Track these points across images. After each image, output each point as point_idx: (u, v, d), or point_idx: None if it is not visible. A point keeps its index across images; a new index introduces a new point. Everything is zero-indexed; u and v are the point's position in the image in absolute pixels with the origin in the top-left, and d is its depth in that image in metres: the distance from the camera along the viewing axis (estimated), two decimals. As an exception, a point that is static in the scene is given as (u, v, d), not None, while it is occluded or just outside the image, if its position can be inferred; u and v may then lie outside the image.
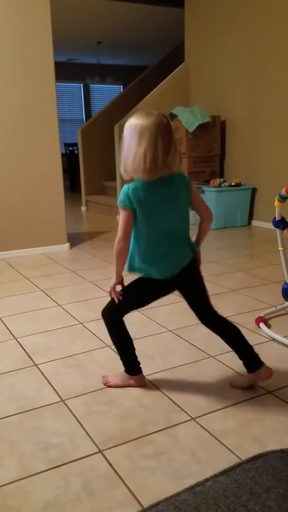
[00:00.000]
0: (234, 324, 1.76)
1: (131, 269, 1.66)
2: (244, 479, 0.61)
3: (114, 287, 1.68)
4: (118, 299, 1.69)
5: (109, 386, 1.82)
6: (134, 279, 1.72)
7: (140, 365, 1.82)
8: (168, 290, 1.75)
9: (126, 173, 1.52)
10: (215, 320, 1.76)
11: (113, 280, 1.67)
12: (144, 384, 1.83)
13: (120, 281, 1.68)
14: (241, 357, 1.76)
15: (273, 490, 0.59)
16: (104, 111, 7.05)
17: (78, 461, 1.42)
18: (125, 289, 1.70)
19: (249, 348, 1.74)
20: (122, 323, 1.75)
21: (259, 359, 1.74)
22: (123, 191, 1.54)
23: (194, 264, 1.72)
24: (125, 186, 1.54)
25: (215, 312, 1.75)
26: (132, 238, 1.61)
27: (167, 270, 1.65)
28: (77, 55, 9.22)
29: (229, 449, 1.44)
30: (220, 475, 0.63)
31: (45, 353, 2.16)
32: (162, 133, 1.46)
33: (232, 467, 0.65)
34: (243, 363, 1.76)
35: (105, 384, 1.84)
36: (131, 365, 1.81)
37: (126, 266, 1.66)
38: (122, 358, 1.81)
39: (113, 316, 1.74)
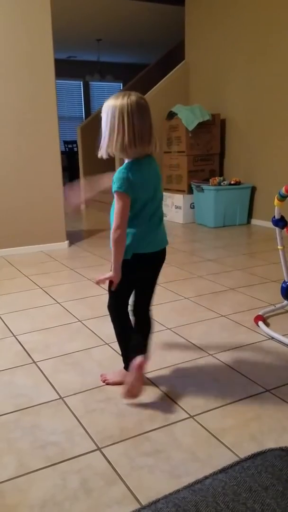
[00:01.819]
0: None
1: (134, 249, 1.63)
2: (243, 477, 0.61)
3: (111, 280, 1.62)
4: (113, 288, 1.66)
5: (107, 384, 1.82)
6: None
7: None
8: (142, 270, 1.71)
9: (108, 151, 1.54)
10: (146, 316, 1.81)
11: (112, 274, 1.61)
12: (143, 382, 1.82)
13: (119, 277, 1.63)
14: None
15: (272, 488, 0.59)
16: (104, 109, 7.03)
17: (76, 459, 1.41)
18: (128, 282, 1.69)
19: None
20: (128, 316, 1.77)
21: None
22: (119, 177, 1.53)
23: (164, 254, 1.74)
24: (119, 172, 1.55)
25: (150, 309, 1.82)
26: (132, 222, 1.61)
27: (158, 244, 1.68)
28: (77, 53, 9.20)
29: (227, 447, 1.44)
30: (219, 473, 0.63)
31: (43, 351, 2.16)
32: (140, 112, 1.51)
33: (231, 465, 0.65)
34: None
35: (103, 382, 1.83)
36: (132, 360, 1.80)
37: (131, 250, 1.64)
38: (124, 352, 1.81)
39: (119, 308, 1.74)
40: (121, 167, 1.57)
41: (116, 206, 1.56)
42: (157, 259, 1.72)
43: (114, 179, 1.55)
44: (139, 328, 1.81)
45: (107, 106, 1.53)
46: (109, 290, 1.71)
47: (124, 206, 1.54)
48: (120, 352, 1.87)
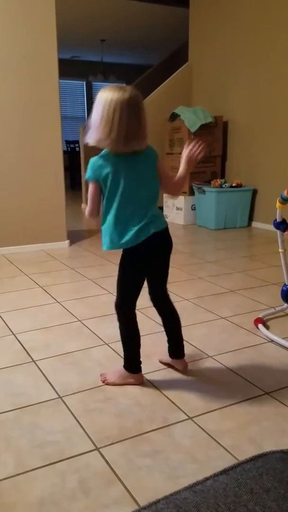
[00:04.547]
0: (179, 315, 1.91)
1: (114, 245, 1.66)
2: (245, 479, 0.61)
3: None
4: (123, 288, 1.73)
5: (107, 384, 1.82)
6: (121, 262, 1.73)
7: (141, 364, 1.82)
8: (148, 261, 1.73)
9: (94, 141, 1.56)
10: (167, 303, 1.87)
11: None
12: (143, 382, 1.82)
13: None
14: (170, 342, 1.91)
15: (274, 491, 0.59)
16: (106, 109, 7.02)
17: (74, 458, 1.41)
18: (120, 274, 1.73)
19: (181, 338, 1.91)
20: (134, 315, 1.78)
21: (183, 351, 1.92)
22: (89, 165, 1.60)
23: (167, 238, 1.73)
24: (91, 160, 1.60)
25: (168, 295, 1.87)
26: (107, 216, 1.64)
27: (145, 233, 1.64)
28: (81, 53, 9.21)
29: (226, 449, 1.44)
30: (220, 475, 0.63)
31: (43, 350, 2.15)
32: (133, 110, 1.52)
33: (233, 467, 0.65)
34: (169, 349, 1.92)
35: (103, 382, 1.83)
36: (133, 361, 1.81)
37: (108, 245, 1.67)
38: (126, 353, 1.81)
39: (126, 307, 1.76)
40: (95, 157, 1.61)
41: (89, 192, 1.64)
42: (155, 246, 1.70)
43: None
44: (166, 321, 1.88)
45: (102, 97, 1.53)
46: (118, 288, 1.74)
47: (92, 190, 1.62)
48: (117, 352, 1.87)
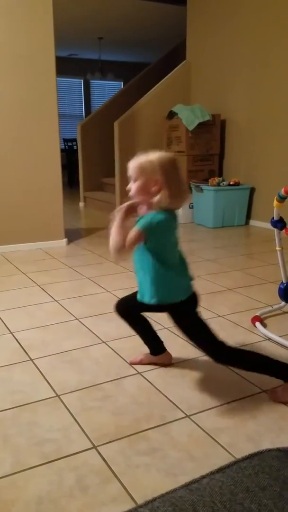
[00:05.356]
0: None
1: (187, 292, 1.70)
2: (241, 477, 0.61)
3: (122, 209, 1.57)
4: (201, 327, 1.69)
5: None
6: (188, 315, 1.73)
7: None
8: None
9: (167, 201, 1.53)
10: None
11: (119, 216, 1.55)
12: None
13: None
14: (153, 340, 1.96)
15: (269, 489, 0.59)
16: (104, 107, 7.02)
17: (72, 456, 1.42)
18: (197, 323, 1.71)
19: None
20: (233, 347, 1.74)
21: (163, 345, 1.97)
22: (156, 219, 1.51)
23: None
24: (158, 215, 1.52)
25: None
26: (163, 268, 1.61)
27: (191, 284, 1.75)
28: (78, 51, 9.18)
29: (223, 447, 1.45)
30: (216, 473, 0.63)
31: (40, 348, 2.16)
32: (178, 167, 1.59)
33: (229, 465, 0.65)
34: (154, 347, 1.96)
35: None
36: (284, 365, 1.68)
37: (181, 294, 1.68)
38: (273, 368, 1.68)
39: (222, 344, 1.67)
40: (158, 213, 1.53)
41: (134, 236, 1.51)
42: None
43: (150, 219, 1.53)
44: (142, 322, 1.90)
45: (151, 160, 1.52)
46: (205, 336, 1.67)
47: (141, 241, 1.55)
48: (115, 350, 1.86)
